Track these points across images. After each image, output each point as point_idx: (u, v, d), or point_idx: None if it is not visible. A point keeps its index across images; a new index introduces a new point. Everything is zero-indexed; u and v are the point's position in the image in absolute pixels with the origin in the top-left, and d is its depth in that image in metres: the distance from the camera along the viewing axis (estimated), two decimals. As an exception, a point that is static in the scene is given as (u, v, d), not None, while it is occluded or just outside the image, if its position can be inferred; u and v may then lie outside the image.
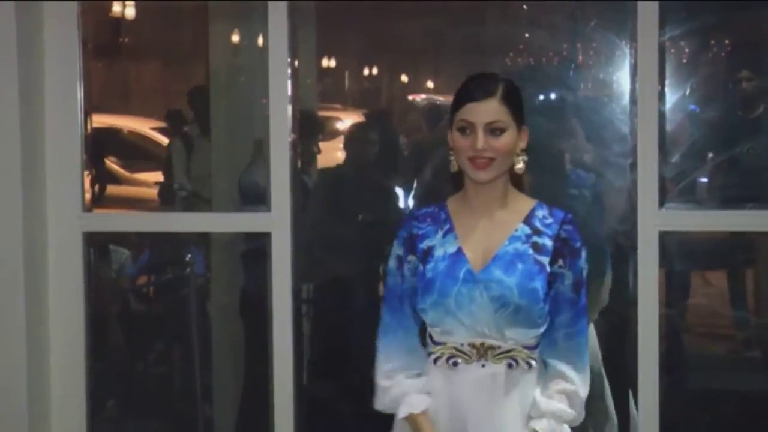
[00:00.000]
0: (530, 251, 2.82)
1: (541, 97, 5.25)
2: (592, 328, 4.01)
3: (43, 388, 4.20)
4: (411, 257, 2.89)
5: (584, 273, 2.88)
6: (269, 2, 4.13)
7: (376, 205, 5.55)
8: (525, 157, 2.89)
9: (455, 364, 2.84)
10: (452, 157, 2.90)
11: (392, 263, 2.94)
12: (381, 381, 2.96)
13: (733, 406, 5.16)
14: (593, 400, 3.34)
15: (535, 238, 2.84)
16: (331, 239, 5.33)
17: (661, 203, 4.08)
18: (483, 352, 2.82)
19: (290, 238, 4.18)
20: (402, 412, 2.90)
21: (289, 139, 4.21)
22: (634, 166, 4.10)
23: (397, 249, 2.93)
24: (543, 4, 5.72)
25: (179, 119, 5.99)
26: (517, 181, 2.96)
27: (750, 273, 6.01)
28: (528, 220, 2.87)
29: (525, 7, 5.97)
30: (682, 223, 4.23)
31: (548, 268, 2.83)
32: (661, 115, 4.12)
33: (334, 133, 6.01)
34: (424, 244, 2.87)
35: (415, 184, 5.47)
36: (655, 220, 4.05)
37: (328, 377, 5.21)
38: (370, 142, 5.58)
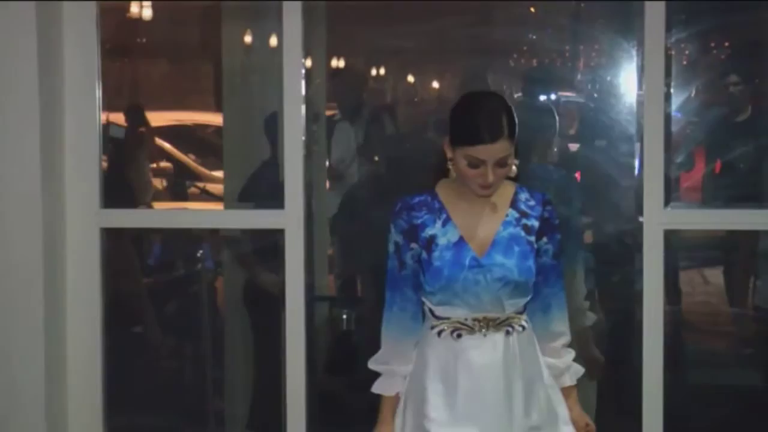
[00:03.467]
0: (522, 233, 3.10)
1: (542, 97, 5.33)
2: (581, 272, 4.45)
3: (60, 380, 4.26)
4: (414, 245, 3.10)
5: (560, 240, 3.18)
6: (284, 2, 4.19)
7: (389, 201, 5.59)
8: (517, 161, 3.09)
9: (459, 336, 3.09)
10: (450, 165, 3.09)
11: (391, 248, 3.15)
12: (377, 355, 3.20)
13: (735, 401, 5.24)
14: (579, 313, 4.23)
15: (524, 221, 3.12)
16: (346, 236, 5.38)
17: (666, 202, 4.15)
18: (485, 324, 3.08)
19: (303, 234, 4.25)
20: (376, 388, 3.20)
21: (303, 138, 4.27)
22: (640, 165, 4.17)
23: (395, 236, 3.13)
24: (550, 5, 5.77)
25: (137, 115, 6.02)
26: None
27: (746, 270, 6.08)
28: (514, 205, 3.13)
29: (532, 9, 6.03)
30: (687, 222, 4.31)
31: (535, 245, 3.12)
32: (667, 117, 4.19)
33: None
34: (426, 233, 3.09)
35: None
36: (660, 219, 4.13)
37: (340, 372, 5.26)
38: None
